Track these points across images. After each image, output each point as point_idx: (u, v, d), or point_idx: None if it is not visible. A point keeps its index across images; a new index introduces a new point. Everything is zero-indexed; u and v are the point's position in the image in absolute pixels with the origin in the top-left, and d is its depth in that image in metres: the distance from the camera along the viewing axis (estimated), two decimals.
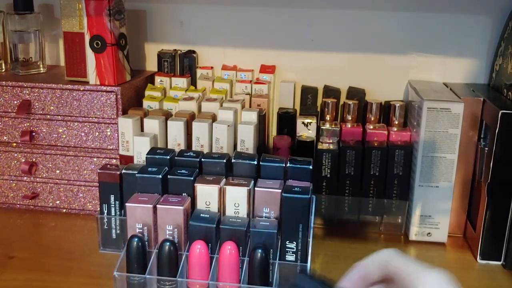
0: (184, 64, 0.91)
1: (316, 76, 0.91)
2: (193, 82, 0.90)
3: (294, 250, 0.60)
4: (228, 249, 0.56)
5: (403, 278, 0.40)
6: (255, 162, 0.64)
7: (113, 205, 0.69)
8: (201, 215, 0.60)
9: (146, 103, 0.82)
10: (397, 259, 0.41)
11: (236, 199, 0.61)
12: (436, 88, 0.82)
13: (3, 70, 0.91)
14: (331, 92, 0.88)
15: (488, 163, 0.71)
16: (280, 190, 0.60)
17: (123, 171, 0.68)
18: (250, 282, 0.56)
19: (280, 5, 0.90)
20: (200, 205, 0.62)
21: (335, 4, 0.88)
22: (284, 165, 0.64)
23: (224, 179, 0.63)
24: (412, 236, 0.79)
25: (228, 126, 0.73)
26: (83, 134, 0.81)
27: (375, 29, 0.89)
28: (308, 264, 0.59)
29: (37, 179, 0.84)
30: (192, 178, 0.62)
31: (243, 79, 0.89)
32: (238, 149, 0.74)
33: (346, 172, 0.78)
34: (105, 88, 0.79)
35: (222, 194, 0.61)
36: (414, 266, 0.40)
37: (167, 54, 0.90)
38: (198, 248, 0.56)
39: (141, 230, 0.60)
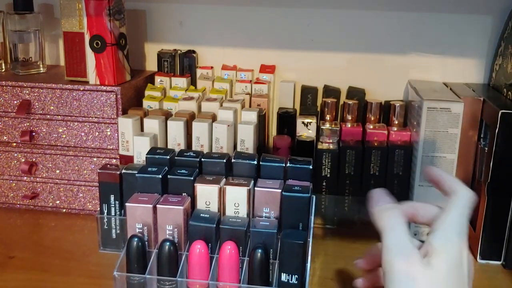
0: (184, 64, 0.91)
1: (316, 76, 0.91)
2: (193, 82, 0.90)
3: None
4: (228, 249, 0.56)
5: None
6: (255, 162, 0.64)
7: (113, 205, 0.69)
8: (201, 215, 0.60)
9: (146, 103, 0.82)
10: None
11: (236, 199, 0.61)
12: (436, 88, 0.82)
13: (3, 70, 0.91)
14: (331, 92, 0.88)
15: (488, 163, 0.71)
16: (280, 190, 0.60)
17: (123, 171, 0.68)
18: (250, 282, 0.56)
19: (280, 5, 0.90)
20: (200, 205, 0.62)
21: (335, 4, 0.88)
22: (284, 165, 0.64)
23: (224, 179, 0.63)
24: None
25: (228, 126, 0.73)
26: (83, 134, 0.81)
27: (375, 29, 0.89)
28: (308, 264, 0.59)
29: (37, 179, 0.84)
30: (192, 178, 0.62)
31: (243, 79, 0.89)
32: (238, 149, 0.74)
33: (346, 172, 0.78)
34: (105, 88, 0.79)
35: (222, 194, 0.61)
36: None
37: (167, 54, 0.90)
38: (198, 248, 0.56)
39: (141, 230, 0.60)
